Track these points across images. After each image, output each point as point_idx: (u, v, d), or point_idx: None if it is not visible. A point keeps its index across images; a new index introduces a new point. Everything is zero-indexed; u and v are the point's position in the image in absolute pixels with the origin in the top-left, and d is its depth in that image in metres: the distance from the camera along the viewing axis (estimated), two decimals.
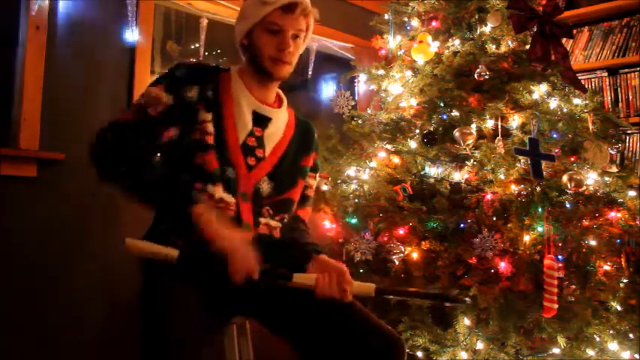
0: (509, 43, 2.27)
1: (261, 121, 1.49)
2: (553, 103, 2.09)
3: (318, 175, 1.68)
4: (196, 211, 1.28)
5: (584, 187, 1.92)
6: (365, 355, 1.31)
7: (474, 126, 2.06)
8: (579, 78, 2.27)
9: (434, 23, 2.38)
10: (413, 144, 2.15)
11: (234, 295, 1.39)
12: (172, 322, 1.18)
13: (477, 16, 2.29)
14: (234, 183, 1.42)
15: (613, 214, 1.93)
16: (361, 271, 2.05)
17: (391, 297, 1.41)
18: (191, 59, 2.79)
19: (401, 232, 1.97)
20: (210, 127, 1.41)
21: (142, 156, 1.37)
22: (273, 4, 1.41)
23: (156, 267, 1.33)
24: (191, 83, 1.43)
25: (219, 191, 1.39)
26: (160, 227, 1.43)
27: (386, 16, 2.47)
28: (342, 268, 1.35)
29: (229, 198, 1.40)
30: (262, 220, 1.46)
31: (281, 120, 1.54)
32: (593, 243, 1.90)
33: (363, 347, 1.32)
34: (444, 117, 2.14)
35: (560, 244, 1.86)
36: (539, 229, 1.81)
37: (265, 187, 1.47)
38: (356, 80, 2.67)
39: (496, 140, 2.02)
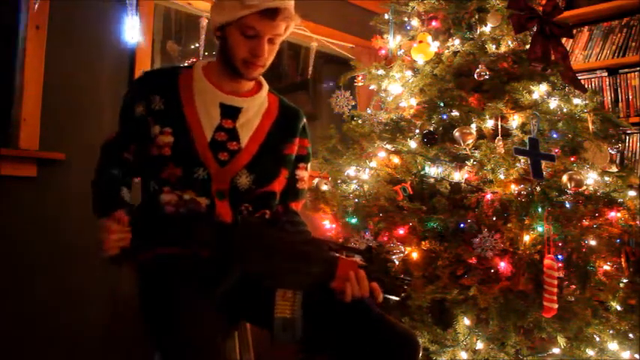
0: (509, 43, 2.27)
1: (230, 112, 1.43)
2: (553, 103, 2.08)
3: (309, 165, 1.60)
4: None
5: (584, 187, 1.92)
6: (382, 354, 1.28)
7: (474, 126, 2.06)
8: (579, 78, 2.27)
9: (434, 23, 2.38)
10: (413, 144, 2.15)
11: (242, 301, 1.38)
12: (187, 321, 1.17)
13: (477, 16, 2.28)
14: (207, 183, 1.38)
15: (613, 214, 1.93)
16: None
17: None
18: (191, 59, 2.80)
19: (401, 232, 1.97)
20: (167, 138, 1.37)
21: (105, 171, 1.45)
22: (252, 8, 1.30)
23: (153, 269, 1.33)
24: (138, 100, 1.41)
25: (189, 195, 1.37)
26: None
27: (386, 16, 2.47)
28: (351, 261, 1.28)
29: (202, 201, 1.37)
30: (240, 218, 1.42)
31: (256, 107, 1.47)
32: (593, 243, 1.90)
33: (379, 346, 1.29)
34: (444, 117, 2.14)
35: (560, 244, 1.86)
36: (539, 229, 1.81)
37: (244, 180, 1.41)
38: (356, 80, 2.67)
39: (496, 140, 2.02)
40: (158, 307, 1.24)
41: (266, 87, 1.53)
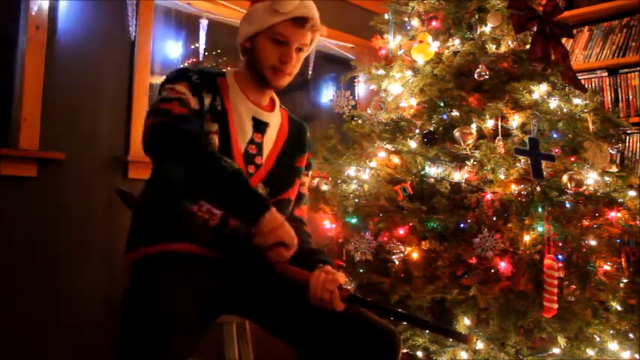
0: (509, 43, 2.27)
1: (260, 126, 1.47)
2: (553, 103, 2.09)
3: (311, 172, 1.66)
4: (272, 221, 1.26)
5: (584, 187, 1.92)
6: (361, 349, 1.30)
7: (474, 126, 2.06)
8: (579, 78, 2.27)
9: (434, 23, 2.38)
10: (413, 144, 2.15)
11: (224, 293, 1.39)
12: (156, 324, 1.14)
13: (477, 16, 2.28)
14: None
15: (613, 214, 1.93)
16: (361, 271, 2.05)
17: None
18: (191, 59, 2.80)
19: (401, 232, 1.97)
20: (216, 139, 1.38)
21: (208, 156, 1.28)
22: (285, 15, 1.38)
23: (144, 267, 1.33)
24: (206, 91, 1.39)
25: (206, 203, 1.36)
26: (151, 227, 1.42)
27: (386, 16, 2.47)
28: (334, 272, 1.31)
29: (217, 209, 1.36)
30: None
31: (275, 123, 1.53)
32: (593, 243, 1.90)
33: (358, 342, 1.30)
34: (444, 117, 2.14)
35: (560, 244, 1.87)
36: (539, 229, 1.81)
37: (260, 192, 1.45)
38: (356, 80, 2.67)
39: (496, 140, 2.02)
40: (135, 304, 1.21)
41: (278, 102, 1.58)
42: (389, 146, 2.19)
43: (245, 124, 1.44)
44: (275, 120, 1.53)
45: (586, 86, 2.57)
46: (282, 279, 1.34)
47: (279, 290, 1.38)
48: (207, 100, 1.39)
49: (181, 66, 1.49)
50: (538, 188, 1.89)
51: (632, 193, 2.03)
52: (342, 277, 1.32)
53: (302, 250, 1.47)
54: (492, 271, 1.85)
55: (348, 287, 1.34)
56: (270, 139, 1.50)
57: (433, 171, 2.10)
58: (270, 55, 1.41)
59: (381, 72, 2.41)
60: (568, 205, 1.92)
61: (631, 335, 1.86)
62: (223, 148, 1.39)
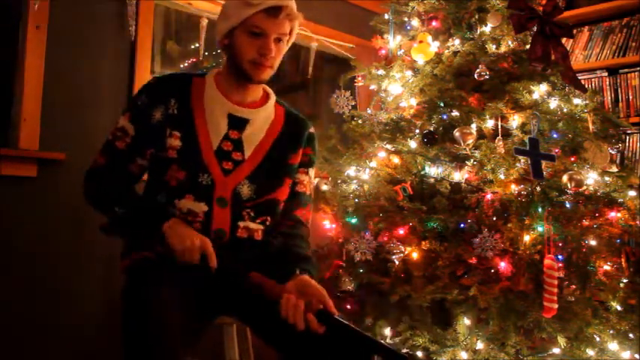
0: (509, 43, 2.27)
1: (237, 123, 1.45)
2: (553, 103, 2.08)
3: (311, 170, 1.59)
4: (164, 227, 1.32)
5: (584, 187, 1.91)
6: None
7: (474, 126, 2.06)
8: (579, 78, 2.27)
9: (434, 23, 2.38)
10: (413, 144, 2.15)
11: (218, 294, 1.40)
12: (153, 321, 1.16)
13: (477, 16, 2.28)
14: (210, 189, 1.39)
15: (613, 214, 1.93)
16: (361, 271, 2.05)
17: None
18: (191, 59, 2.80)
19: (401, 232, 1.97)
20: (175, 141, 1.39)
21: (112, 200, 1.43)
22: (257, 7, 1.35)
23: (139, 267, 1.34)
24: (156, 105, 1.41)
25: (187, 203, 1.38)
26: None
27: (386, 16, 2.47)
28: (310, 286, 1.28)
29: (199, 207, 1.38)
30: (241, 223, 1.42)
31: (263, 119, 1.49)
32: (593, 243, 1.90)
33: (343, 350, 1.27)
34: (444, 117, 2.14)
35: (560, 244, 1.86)
36: (539, 229, 1.81)
37: (245, 190, 1.43)
38: (356, 80, 2.67)
39: (496, 140, 2.02)
40: (130, 304, 1.24)
41: (273, 98, 1.55)
42: (389, 146, 2.19)
43: (219, 122, 1.43)
44: (262, 115, 1.49)
45: (586, 86, 2.57)
46: (255, 291, 1.32)
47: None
48: (157, 114, 1.41)
49: (147, 81, 1.50)
50: (538, 188, 1.89)
51: (632, 193, 2.03)
52: (319, 293, 1.26)
53: (288, 254, 1.43)
54: (492, 271, 1.85)
55: (323, 302, 1.26)
56: (255, 135, 1.47)
57: (433, 171, 2.10)
58: (248, 49, 1.39)
59: (381, 72, 2.40)
60: (568, 205, 1.92)
61: (631, 335, 1.86)
62: (188, 147, 1.40)
